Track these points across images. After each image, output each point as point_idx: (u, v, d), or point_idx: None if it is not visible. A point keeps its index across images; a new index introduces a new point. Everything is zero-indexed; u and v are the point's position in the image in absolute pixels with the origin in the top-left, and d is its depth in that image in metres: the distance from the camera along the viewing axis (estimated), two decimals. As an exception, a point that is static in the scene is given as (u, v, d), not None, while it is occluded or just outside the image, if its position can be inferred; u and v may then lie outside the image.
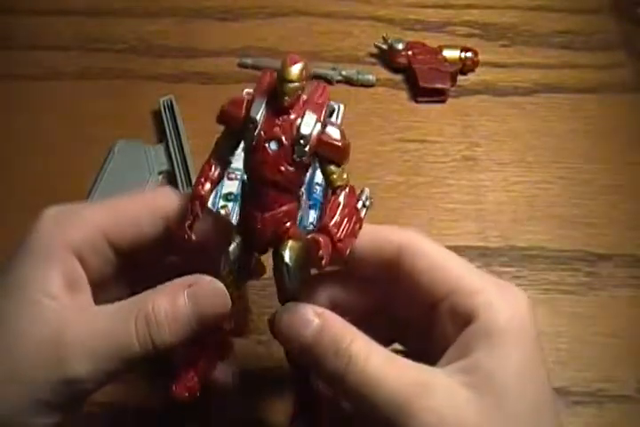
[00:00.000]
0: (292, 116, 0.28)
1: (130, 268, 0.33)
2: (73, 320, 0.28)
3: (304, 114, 0.28)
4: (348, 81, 0.56)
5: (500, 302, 0.28)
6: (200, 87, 0.56)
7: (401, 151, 0.53)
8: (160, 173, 0.51)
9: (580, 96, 0.56)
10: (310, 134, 0.28)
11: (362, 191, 0.30)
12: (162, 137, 0.52)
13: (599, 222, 0.49)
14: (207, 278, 0.29)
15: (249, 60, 0.57)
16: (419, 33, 0.60)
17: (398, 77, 0.57)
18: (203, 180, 0.30)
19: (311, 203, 0.47)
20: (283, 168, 0.28)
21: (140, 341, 0.28)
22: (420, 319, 0.31)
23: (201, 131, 0.51)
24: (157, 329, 0.28)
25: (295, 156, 0.28)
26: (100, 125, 0.54)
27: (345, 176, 0.29)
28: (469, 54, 0.56)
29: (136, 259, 0.32)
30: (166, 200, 0.32)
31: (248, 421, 0.40)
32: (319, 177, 0.47)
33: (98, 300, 0.30)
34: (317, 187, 0.48)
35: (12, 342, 0.28)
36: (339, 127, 0.29)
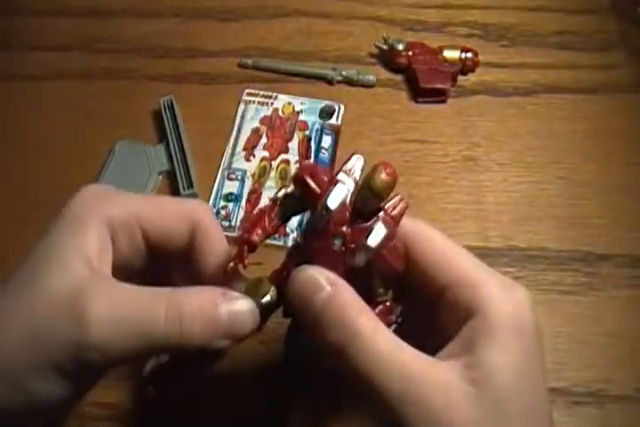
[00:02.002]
0: (366, 224, 0.28)
1: (151, 263, 0.33)
2: (101, 287, 0.28)
3: (376, 224, 0.28)
4: (349, 81, 0.56)
5: (502, 297, 0.28)
6: (200, 87, 0.56)
7: (401, 151, 0.53)
8: (160, 173, 0.51)
9: (579, 96, 0.56)
10: (375, 248, 0.28)
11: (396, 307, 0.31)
12: (162, 137, 0.52)
13: (599, 223, 0.49)
14: (242, 296, 0.29)
15: (249, 61, 0.57)
16: (419, 33, 0.60)
17: (398, 78, 0.57)
18: (257, 228, 0.30)
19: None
20: (337, 267, 0.28)
21: (167, 325, 0.28)
22: (419, 309, 0.31)
23: (201, 131, 0.51)
24: (191, 324, 0.28)
25: (352, 261, 0.28)
26: (101, 125, 0.54)
27: (389, 294, 0.30)
28: (469, 54, 0.56)
29: (157, 258, 0.32)
30: (202, 216, 0.32)
31: (247, 420, 0.40)
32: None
33: None
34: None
35: (38, 299, 0.28)
36: (401, 249, 0.29)
